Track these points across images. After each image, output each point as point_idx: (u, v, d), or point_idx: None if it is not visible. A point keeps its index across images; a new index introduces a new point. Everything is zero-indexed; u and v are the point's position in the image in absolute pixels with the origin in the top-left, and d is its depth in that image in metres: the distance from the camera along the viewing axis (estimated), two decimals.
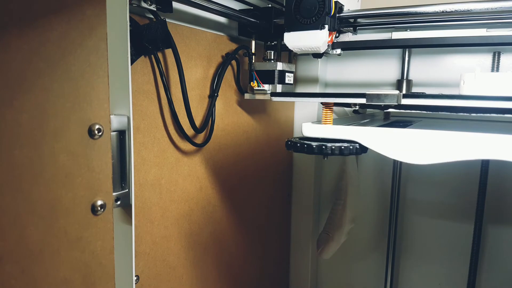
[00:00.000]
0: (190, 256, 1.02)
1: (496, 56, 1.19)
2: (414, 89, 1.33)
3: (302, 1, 0.92)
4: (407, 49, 1.28)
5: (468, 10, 0.90)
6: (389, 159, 0.72)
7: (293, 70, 1.11)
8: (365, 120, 1.11)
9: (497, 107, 0.66)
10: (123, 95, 0.61)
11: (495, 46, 1.18)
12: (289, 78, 1.10)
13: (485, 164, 1.21)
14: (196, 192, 1.02)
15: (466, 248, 1.28)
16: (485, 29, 1.13)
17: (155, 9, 0.80)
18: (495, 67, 1.20)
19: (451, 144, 0.64)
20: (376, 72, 1.38)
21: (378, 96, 0.70)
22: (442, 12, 0.92)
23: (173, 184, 0.94)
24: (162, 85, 0.86)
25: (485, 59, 1.23)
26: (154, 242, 0.90)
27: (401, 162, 1.33)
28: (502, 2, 0.87)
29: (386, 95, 0.70)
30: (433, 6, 0.92)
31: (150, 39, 0.81)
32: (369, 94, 0.71)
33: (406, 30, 1.23)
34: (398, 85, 1.31)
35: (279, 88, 1.08)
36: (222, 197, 1.13)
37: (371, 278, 1.49)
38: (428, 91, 1.30)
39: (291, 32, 0.94)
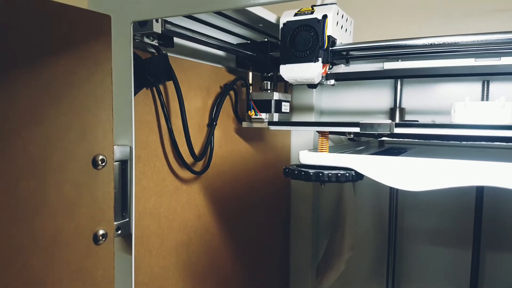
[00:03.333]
0: (188, 287, 1.02)
1: (486, 84, 1.24)
2: (407, 117, 1.36)
3: (297, 35, 0.96)
4: (399, 79, 1.32)
5: (456, 43, 0.94)
6: (386, 186, 0.74)
7: (289, 99, 1.15)
8: (360, 148, 1.14)
9: (486, 135, 0.68)
10: (126, 126, 0.63)
11: (484, 76, 1.23)
12: (285, 107, 1.14)
13: (480, 190, 1.22)
14: (195, 220, 1.03)
15: (465, 274, 1.28)
16: (474, 58, 1.18)
17: (157, 44, 0.84)
18: (485, 95, 1.24)
19: (443, 171, 0.66)
20: (369, 100, 1.42)
21: (371, 126, 0.73)
22: (431, 44, 0.96)
23: (171, 212, 0.94)
24: (163, 115, 0.89)
25: (476, 87, 1.27)
26: (152, 273, 0.90)
27: (397, 189, 1.34)
28: (486, 36, 0.91)
29: (379, 125, 0.72)
30: (422, 39, 0.96)
31: (152, 72, 0.84)
32: (362, 123, 0.74)
33: (397, 60, 1.28)
34: (391, 113, 1.34)
35: (275, 116, 1.11)
36: (221, 225, 1.13)
37: None
38: (421, 118, 1.33)
39: (287, 65, 0.98)
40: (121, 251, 0.61)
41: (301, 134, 1.49)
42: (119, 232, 0.60)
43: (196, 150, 1.00)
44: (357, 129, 0.75)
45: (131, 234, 0.62)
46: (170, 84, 0.91)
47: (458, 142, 0.71)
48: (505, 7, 1.41)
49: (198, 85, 1.02)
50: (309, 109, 1.47)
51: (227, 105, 1.14)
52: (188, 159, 0.96)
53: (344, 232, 1.32)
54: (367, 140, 1.28)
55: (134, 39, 0.76)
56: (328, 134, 0.81)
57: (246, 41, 1.12)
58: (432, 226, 1.35)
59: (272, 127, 0.86)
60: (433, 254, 1.35)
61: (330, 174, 0.75)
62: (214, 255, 1.11)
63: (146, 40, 0.80)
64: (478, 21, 1.47)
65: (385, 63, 1.29)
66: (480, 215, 1.23)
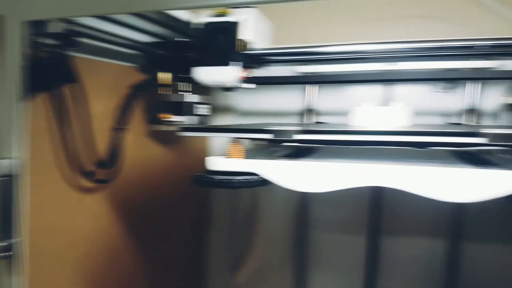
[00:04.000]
0: None
1: (389, 88, 1.34)
2: (321, 118, 1.43)
3: (214, 38, 0.95)
4: (320, 83, 1.38)
5: (361, 51, 1.01)
6: None
7: (207, 101, 1.13)
8: (274, 150, 1.17)
9: (380, 140, 0.73)
10: (12, 137, 0.58)
11: (388, 80, 1.32)
12: (202, 110, 1.12)
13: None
14: (98, 231, 0.97)
15: (361, 258, 1.38)
16: (376, 63, 1.26)
17: (58, 43, 0.78)
18: (388, 96, 1.34)
19: (339, 173, 0.71)
20: (287, 101, 1.46)
21: (282, 132, 0.75)
22: (340, 52, 1.02)
23: (71, 225, 0.88)
24: (63, 121, 0.83)
25: (381, 90, 1.36)
26: None
27: None
28: (387, 45, 0.98)
29: (289, 131, 0.75)
30: (331, 47, 1.01)
31: (49, 75, 0.78)
32: (275, 130, 0.76)
33: (310, 64, 1.33)
34: (304, 114, 1.40)
35: (190, 119, 1.09)
36: (127, 234, 1.08)
37: None
38: (332, 119, 1.41)
39: (203, 67, 0.96)
40: (6, 275, 0.55)
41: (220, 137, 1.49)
42: (3, 254, 0.55)
43: (103, 157, 0.94)
44: (271, 136, 0.76)
45: (18, 256, 0.57)
46: (73, 87, 0.85)
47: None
48: (419, 13, 1.53)
49: (106, 86, 0.96)
50: (230, 110, 1.47)
51: (138, 107, 1.09)
52: (92, 167, 0.91)
53: (258, 230, 1.35)
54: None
55: (30, 38, 0.70)
56: (238, 140, 0.81)
57: (161, 40, 1.08)
58: (337, 217, 1.43)
59: (182, 133, 0.84)
60: (339, 242, 1.44)
61: (236, 181, 0.75)
62: (121, 266, 1.06)
63: (44, 39, 0.73)
64: (393, 25, 1.57)
65: (298, 67, 1.34)
66: (378, 205, 1.33)
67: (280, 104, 1.47)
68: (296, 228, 1.43)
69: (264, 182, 0.77)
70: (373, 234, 1.36)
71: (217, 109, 1.48)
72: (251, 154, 1.01)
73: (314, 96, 1.41)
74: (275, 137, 0.74)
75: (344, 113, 1.39)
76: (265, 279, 1.54)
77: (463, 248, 1.29)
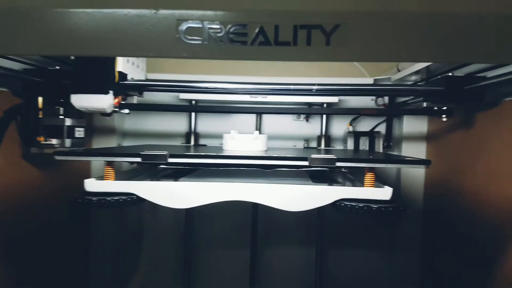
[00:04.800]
0: None
1: (259, 116, 1.56)
2: (202, 141, 1.57)
3: (89, 67, 1.03)
4: (195, 112, 1.52)
5: (234, 88, 1.17)
6: None
7: (83, 124, 1.19)
8: (156, 170, 1.27)
9: (244, 163, 0.90)
10: None
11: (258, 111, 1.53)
12: (79, 133, 1.17)
13: (255, 203, 1.52)
14: None
15: (246, 269, 1.55)
16: (249, 95, 1.47)
17: None
18: (259, 124, 1.56)
19: (201, 191, 0.85)
20: (170, 124, 1.57)
21: (151, 156, 0.86)
22: (211, 88, 1.16)
23: None
24: None
25: (253, 117, 1.57)
26: None
27: None
28: (257, 85, 1.16)
29: (157, 156, 0.86)
30: (202, 83, 1.14)
31: None
32: (143, 154, 0.87)
33: (191, 92, 1.48)
34: (187, 137, 1.53)
35: (67, 142, 1.14)
36: (2, 262, 1.06)
37: None
38: (211, 142, 1.57)
39: (78, 94, 1.03)
40: None
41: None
42: None
43: None
44: (139, 159, 0.87)
45: None
46: None
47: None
48: None
49: None
50: (111, 131, 1.52)
51: (13, 130, 1.09)
52: None
53: (139, 248, 1.41)
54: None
55: None
56: (113, 163, 0.90)
57: (34, 67, 1.11)
58: (221, 233, 1.59)
59: (58, 157, 0.89)
60: (223, 256, 1.59)
61: (112, 200, 0.84)
62: None
63: None
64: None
65: (180, 94, 1.48)
66: (255, 221, 1.53)
67: (167, 127, 1.58)
68: (181, 246, 1.54)
69: (140, 201, 0.87)
70: (253, 247, 1.53)
71: (104, 131, 1.52)
72: (135, 174, 1.10)
73: (197, 121, 1.56)
74: (143, 160, 0.85)
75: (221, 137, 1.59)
76: None
77: (328, 253, 1.56)
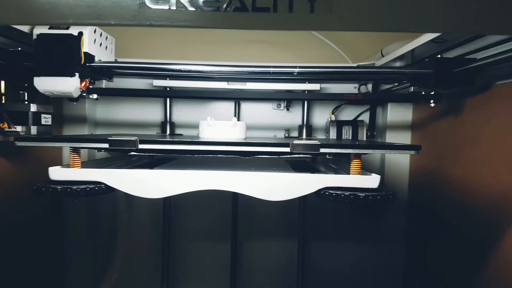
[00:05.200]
0: None
1: (237, 104, 1.49)
2: (178, 131, 1.50)
3: (52, 49, 0.94)
4: (169, 98, 1.44)
5: (209, 71, 1.11)
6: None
7: (50, 111, 1.10)
8: (131, 160, 1.20)
9: (219, 150, 0.83)
10: None
11: (236, 98, 1.47)
12: (45, 120, 1.09)
13: (235, 193, 1.46)
14: None
15: (227, 262, 1.50)
16: (226, 82, 1.40)
17: None
18: (237, 113, 1.49)
19: (173, 180, 0.79)
20: (144, 113, 1.49)
21: (119, 142, 0.79)
22: (184, 70, 1.09)
23: None
24: None
25: (232, 105, 1.50)
26: None
27: (170, 196, 1.45)
28: (234, 68, 1.10)
29: (126, 141, 0.79)
30: (178, 65, 1.07)
31: None
32: (111, 140, 0.80)
33: (166, 79, 1.40)
34: (162, 126, 1.46)
35: (33, 130, 1.05)
36: None
37: None
38: (188, 132, 1.50)
39: (41, 77, 0.95)
40: None
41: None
42: None
43: None
44: (106, 145, 0.80)
45: None
46: None
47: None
48: (258, 39, 1.74)
49: None
50: (82, 120, 1.43)
51: None
52: None
53: (116, 241, 1.34)
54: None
55: None
56: (80, 150, 0.83)
57: None
58: (201, 226, 1.52)
59: (19, 143, 0.82)
60: (202, 249, 1.53)
61: (78, 189, 0.77)
62: None
63: None
64: (238, 48, 1.76)
65: (154, 80, 1.40)
66: (236, 214, 1.47)
67: (142, 116, 1.50)
68: (159, 239, 1.47)
69: (109, 190, 0.80)
70: (233, 240, 1.47)
71: (74, 120, 1.43)
72: (107, 163, 1.02)
73: (173, 110, 1.48)
74: (110, 146, 0.78)
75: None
76: None
77: (310, 245, 1.51)
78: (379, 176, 0.77)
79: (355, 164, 0.78)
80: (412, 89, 1.10)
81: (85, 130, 1.44)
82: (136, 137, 0.79)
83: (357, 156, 0.78)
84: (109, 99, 1.47)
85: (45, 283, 1.36)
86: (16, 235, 1.17)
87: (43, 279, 1.34)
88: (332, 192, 0.76)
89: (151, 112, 1.49)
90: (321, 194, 0.77)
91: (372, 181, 0.76)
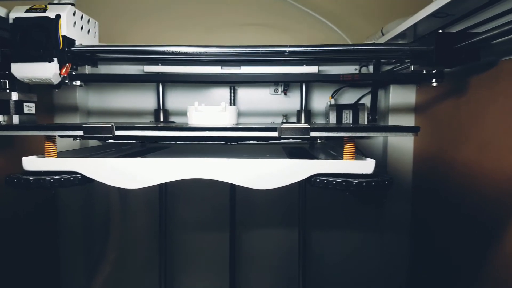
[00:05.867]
0: None
1: (232, 90, 1.43)
2: (172, 119, 1.45)
3: (29, 33, 0.89)
4: (160, 83, 1.39)
5: (196, 52, 1.05)
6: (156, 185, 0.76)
7: (34, 99, 1.06)
8: (114, 150, 1.15)
9: (206, 135, 0.78)
10: None
11: (230, 82, 1.41)
12: (28, 108, 1.04)
13: (232, 184, 1.41)
14: None
15: (226, 252, 1.45)
16: (220, 66, 1.34)
17: None
18: (233, 99, 1.44)
19: (155, 169, 0.74)
20: (137, 101, 1.44)
21: (94, 129, 0.74)
22: (174, 52, 1.03)
23: None
24: None
25: (227, 91, 1.45)
26: None
27: (165, 186, 1.41)
28: (221, 48, 1.04)
29: (102, 128, 0.74)
30: (164, 47, 1.02)
31: None
32: (86, 127, 0.75)
33: (157, 64, 1.34)
34: (156, 114, 1.41)
35: (15, 119, 1.01)
36: None
37: None
38: (183, 119, 1.44)
39: (18, 63, 0.90)
40: None
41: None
42: None
43: None
44: (81, 132, 0.75)
45: None
46: None
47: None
48: (255, 22, 1.67)
49: None
50: (74, 109, 1.39)
51: None
52: None
53: (111, 234, 1.31)
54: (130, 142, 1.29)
55: None
56: (55, 138, 0.78)
57: None
58: (198, 216, 1.48)
59: None
60: (200, 239, 1.49)
61: (52, 180, 0.72)
62: None
63: None
64: (234, 32, 1.70)
65: (145, 66, 1.34)
66: (233, 204, 1.42)
67: (135, 105, 1.45)
68: (156, 229, 1.43)
69: (86, 180, 0.76)
70: (232, 230, 1.43)
71: (65, 109, 1.39)
72: (93, 152, 0.98)
73: (167, 97, 1.43)
74: (85, 134, 0.73)
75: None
76: (126, 284, 1.50)
77: (311, 234, 1.46)
78: (374, 161, 0.71)
79: (348, 148, 0.72)
80: (412, 68, 1.03)
81: (76, 119, 1.40)
82: (112, 124, 0.74)
83: (351, 140, 0.72)
84: (101, 86, 1.43)
85: (41, 277, 1.33)
86: (11, 229, 1.14)
87: (38, 273, 1.32)
88: (323, 179, 0.70)
89: (144, 100, 1.45)
90: (312, 181, 0.72)
91: (366, 166, 0.70)
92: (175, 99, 1.44)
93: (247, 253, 1.50)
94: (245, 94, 1.45)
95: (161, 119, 1.41)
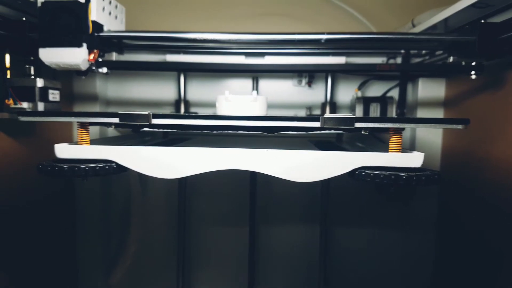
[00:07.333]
0: None
1: (255, 81, 1.40)
2: (193, 109, 1.42)
3: (58, 18, 0.87)
4: (182, 72, 1.36)
5: (227, 40, 1.02)
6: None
7: (58, 86, 1.03)
8: (144, 139, 1.13)
9: (239, 125, 0.75)
10: None
11: (253, 72, 1.38)
12: (53, 96, 1.02)
13: (253, 175, 1.38)
14: None
15: (245, 247, 1.43)
16: (244, 56, 1.32)
17: None
18: (255, 89, 1.41)
19: (193, 158, 0.71)
20: (157, 91, 1.42)
21: (130, 116, 0.72)
22: (204, 40, 1.01)
23: None
24: None
25: (249, 82, 1.42)
26: None
27: (185, 178, 1.39)
28: (254, 35, 1.01)
29: (138, 115, 0.72)
30: (194, 34, 1.00)
31: None
32: (122, 114, 0.72)
33: (179, 53, 1.32)
34: (176, 105, 1.38)
35: (40, 106, 0.98)
36: None
37: None
38: (204, 111, 1.42)
39: (47, 48, 0.87)
40: None
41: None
42: None
43: None
44: (116, 120, 0.73)
45: None
46: None
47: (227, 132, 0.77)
48: (274, 11, 1.63)
49: None
50: (93, 98, 1.37)
51: None
52: None
53: (129, 225, 1.29)
54: (152, 132, 1.27)
55: None
56: (88, 126, 0.76)
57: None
58: (217, 209, 1.46)
59: (23, 118, 0.75)
60: (219, 234, 1.47)
61: (87, 168, 0.70)
62: None
63: None
64: (252, 22, 1.66)
65: (167, 55, 1.31)
66: (254, 197, 1.39)
67: (155, 95, 1.43)
68: (175, 223, 1.40)
69: (121, 169, 0.74)
70: (252, 225, 1.40)
71: (85, 98, 1.36)
72: (120, 142, 0.95)
73: (188, 88, 1.40)
74: (121, 121, 0.71)
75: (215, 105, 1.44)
76: (144, 278, 1.48)
77: (333, 230, 1.43)
78: (423, 154, 0.68)
79: (394, 140, 0.70)
80: (451, 59, 1.00)
81: (96, 108, 1.37)
82: (150, 111, 0.72)
83: (397, 131, 0.69)
84: (121, 76, 1.40)
85: (58, 269, 1.32)
86: (26, 218, 1.12)
87: (55, 264, 1.30)
88: (369, 172, 0.67)
89: (165, 90, 1.42)
90: (357, 174, 0.69)
91: (415, 159, 0.67)
92: (196, 89, 1.42)
93: (266, 248, 1.47)
94: (267, 85, 1.42)
95: (182, 110, 1.38)
